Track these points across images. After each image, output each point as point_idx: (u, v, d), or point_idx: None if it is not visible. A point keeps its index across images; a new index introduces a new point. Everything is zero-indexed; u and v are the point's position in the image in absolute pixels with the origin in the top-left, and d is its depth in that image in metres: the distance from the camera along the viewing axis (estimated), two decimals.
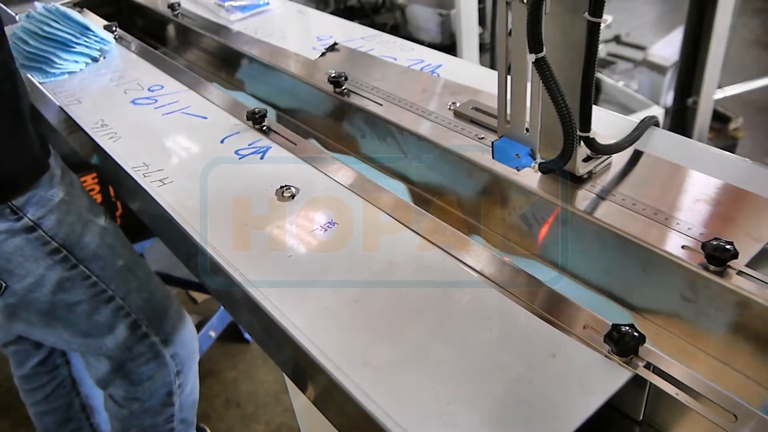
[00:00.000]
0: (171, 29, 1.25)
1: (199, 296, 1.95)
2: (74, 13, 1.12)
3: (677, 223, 0.55)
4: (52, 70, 1.05)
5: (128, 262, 0.95)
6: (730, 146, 2.33)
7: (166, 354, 1.00)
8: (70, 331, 0.91)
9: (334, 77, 0.86)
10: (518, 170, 0.63)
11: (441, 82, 0.87)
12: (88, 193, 0.95)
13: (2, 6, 1.39)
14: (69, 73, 1.07)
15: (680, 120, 2.08)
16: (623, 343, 0.46)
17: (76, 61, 1.08)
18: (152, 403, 1.04)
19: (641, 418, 0.50)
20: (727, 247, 0.50)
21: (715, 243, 0.51)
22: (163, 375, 1.01)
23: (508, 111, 0.60)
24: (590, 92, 0.56)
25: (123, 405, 1.04)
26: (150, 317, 0.97)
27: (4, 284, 0.83)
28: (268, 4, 1.26)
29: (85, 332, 0.92)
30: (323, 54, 0.99)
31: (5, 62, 0.80)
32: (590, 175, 0.63)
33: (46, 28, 1.08)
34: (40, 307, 0.87)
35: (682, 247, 0.53)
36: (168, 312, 1.00)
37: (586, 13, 0.52)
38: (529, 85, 0.56)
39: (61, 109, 0.97)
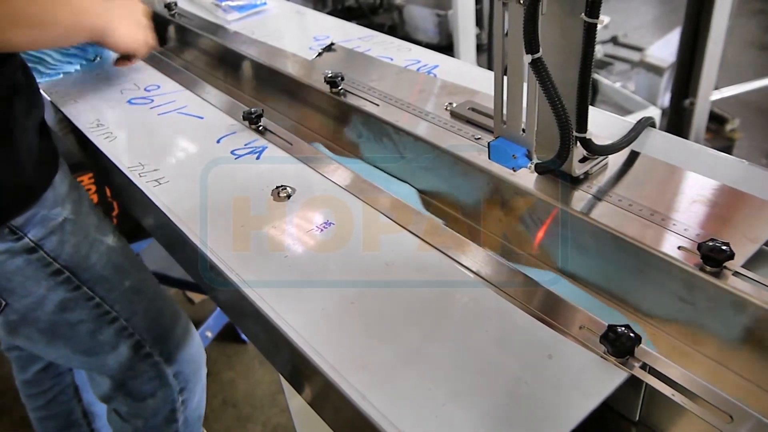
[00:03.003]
0: (168, 29, 1.25)
1: (196, 296, 1.95)
2: None
3: (673, 224, 0.55)
4: (48, 71, 1.05)
5: (135, 282, 0.92)
6: (727, 147, 2.34)
7: (169, 373, 0.98)
8: (72, 348, 0.89)
9: (330, 77, 0.85)
10: (514, 171, 0.63)
11: (438, 82, 0.86)
12: (97, 208, 0.92)
13: None
14: (64, 73, 1.06)
15: (677, 121, 2.08)
16: (619, 344, 0.46)
17: (71, 62, 1.07)
18: (156, 420, 1.02)
19: (637, 418, 0.50)
20: (723, 248, 0.50)
21: (711, 244, 0.51)
22: (166, 393, 1.00)
23: (505, 111, 0.60)
24: (587, 93, 0.56)
25: (127, 420, 1.03)
26: (154, 337, 0.95)
27: (4, 302, 0.80)
28: (265, 4, 1.26)
29: (86, 350, 0.90)
30: (320, 54, 0.99)
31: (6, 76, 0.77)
32: (587, 175, 0.63)
33: None
34: (41, 326, 0.85)
35: (679, 248, 0.53)
36: (174, 331, 0.98)
37: (583, 14, 0.52)
38: (525, 85, 0.56)
39: (57, 109, 0.97)
